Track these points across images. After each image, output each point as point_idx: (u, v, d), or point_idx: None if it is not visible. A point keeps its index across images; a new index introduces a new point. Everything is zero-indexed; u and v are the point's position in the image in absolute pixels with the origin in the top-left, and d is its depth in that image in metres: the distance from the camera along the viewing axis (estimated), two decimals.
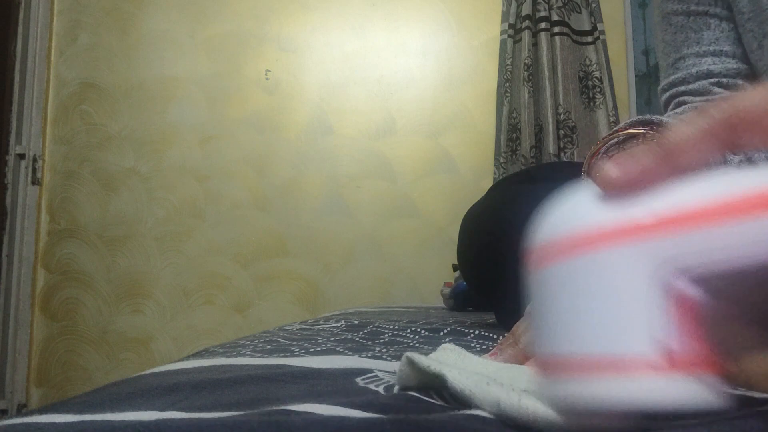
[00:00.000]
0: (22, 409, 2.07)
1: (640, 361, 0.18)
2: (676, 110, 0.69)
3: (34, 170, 2.15)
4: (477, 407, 0.23)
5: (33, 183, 2.15)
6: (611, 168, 0.20)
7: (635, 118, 0.52)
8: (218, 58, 2.20)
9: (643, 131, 0.50)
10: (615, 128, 0.52)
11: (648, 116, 0.52)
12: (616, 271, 0.19)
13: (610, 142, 0.52)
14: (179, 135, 2.17)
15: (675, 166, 0.20)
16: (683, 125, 0.20)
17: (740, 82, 0.66)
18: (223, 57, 2.20)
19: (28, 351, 2.10)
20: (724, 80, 0.66)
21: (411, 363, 0.31)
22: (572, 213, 0.21)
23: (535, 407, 0.21)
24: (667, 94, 0.71)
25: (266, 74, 2.19)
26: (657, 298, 0.18)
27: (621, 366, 0.19)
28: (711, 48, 0.67)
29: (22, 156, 2.14)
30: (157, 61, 2.20)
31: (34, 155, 2.15)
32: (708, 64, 0.67)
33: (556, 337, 0.20)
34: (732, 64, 0.66)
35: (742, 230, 0.18)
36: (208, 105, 2.18)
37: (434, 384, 0.28)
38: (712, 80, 0.66)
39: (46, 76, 2.20)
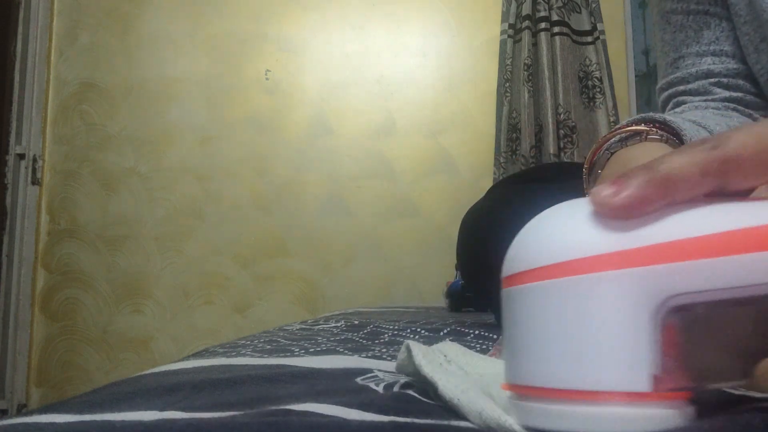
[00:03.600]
0: (22, 409, 2.07)
1: (620, 389, 0.19)
2: (675, 110, 0.69)
3: (34, 170, 2.15)
4: (463, 417, 0.23)
5: (33, 183, 2.15)
6: (608, 191, 0.20)
7: (638, 116, 0.52)
8: (218, 58, 2.20)
9: (646, 128, 0.50)
10: (618, 126, 0.52)
11: (651, 114, 0.52)
12: (602, 296, 0.19)
13: (612, 140, 0.51)
14: (179, 135, 2.17)
15: (668, 196, 0.20)
16: (680, 155, 0.20)
17: (740, 82, 0.65)
18: (223, 57, 2.20)
19: (28, 351, 2.10)
20: (724, 80, 0.65)
21: (409, 353, 0.31)
22: (561, 232, 0.21)
23: (513, 426, 0.21)
24: (666, 93, 0.70)
25: (266, 74, 2.19)
26: (642, 326, 0.19)
27: (601, 395, 0.19)
28: (711, 47, 0.66)
29: (22, 156, 2.14)
30: (157, 61, 2.20)
31: (34, 155, 2.15)
32: (708, 63, 0.66)
33: (534, 358, 0.20)
34: (732, 64, 0.65)
35: (728, 265, 0.18)
36: (208, 105, 2.18)
37: (426, 380, 0.28)
38: (712, 80, 0.66)
39: (46, 76, 2.20)
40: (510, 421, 0.21)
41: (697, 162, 0.20)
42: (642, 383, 0.19)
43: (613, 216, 0.20)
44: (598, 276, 0.19)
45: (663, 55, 0.71)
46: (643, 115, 0.52)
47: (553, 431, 0.19)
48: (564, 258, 0.20)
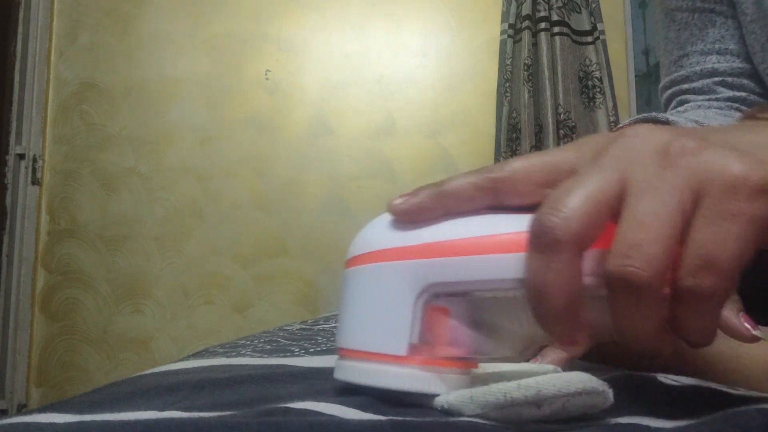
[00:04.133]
0: (22, 409, 2.07)
1: (385, 352, 0.25)
2: (678, 108, 0.68)
3: (34, 170, 2.15)
4: (462, 414, 0.23)
5: (33, 183, 2.15)
6: (396, 199, 0.26)
7: (641, 115, 0.52)
8: (218, 58, 2.20)
9: None
10: (619, 126, 0.52)
11: (654, 114, 0.51)
12: (385, 282, 0.25)
13: None
14: (179, 135, 2.17)
15: (444, 206, 0.25)
16: (463, 175, 0.26)
17: (745, 81, 0.64)
18: (223, 57, 2.20)
19: (28, 351, 2.10)
20: (729, 79, 0.65)
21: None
22: (370, 230, 0.27)
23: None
24: (669, 91, 0.69)
25: (266, 74, 2.19)
26: (411, 308, 0.25)
27: (373, 355, 0.25)
28: (716, 46, 0.65)
29: (22, 156, 2.14)
30: (157, 61, 2.20)
31: (34, 155, 2.15)
32: (713, 62, 0.65)
33: (347, 327, 0.27)
34: (737, 63, 0.64)
35: (471, 263, 0.23)
36: (208, 105, 2.18)
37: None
38: (717, 79, 0.65)
39: (46, 76, 2.20)
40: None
41: (472, 180, 0.26)
42: (400, 349, 0.24)
43: (400, 219, 0.26)
44: (379, 266, 0.26)
45: (666, 53, 0.70)
46: (645, 114, 0.52)
47: (345, 381, 0.26)
48: (362, 251, 0.27)
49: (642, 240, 0.20)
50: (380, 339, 0.25)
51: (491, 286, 0.24)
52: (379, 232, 0.27)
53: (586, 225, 0.21)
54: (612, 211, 0.22)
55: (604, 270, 0.21)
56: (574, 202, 0.22)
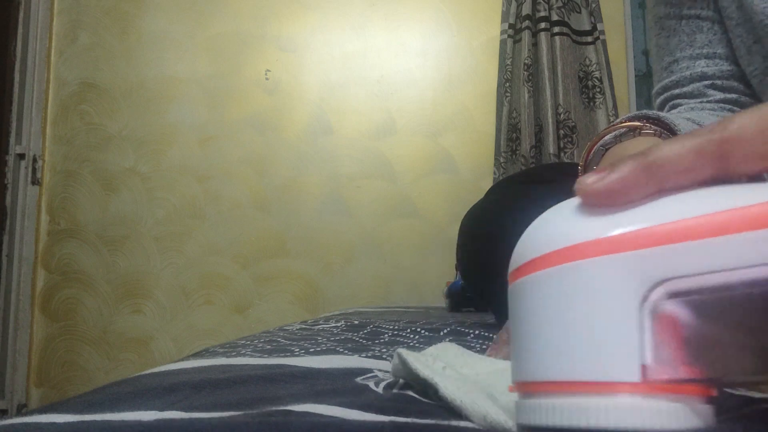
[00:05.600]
0: (22, 409, 2.07)
1: (618, 382, 0.18)
2: (671, 112, 0.69)
3: (34, 170, 2.15)
4: (466, 418, 0.23)
5: (33, 183, 2.15)
6: (591, 178, 0.19)
7: (633, 113, 0.53)
8: (218, 58, 2.20)
9: (640, 124, 0.51)
10: (612, 123, 0.53)
11: (645, 111, 0.52)
12: (593, 285, 0.18)
13: (606, 137, 0.52)
14: (179, 135, 2.17)
15: (657, 180, 0.19)
16: (675, 140, 0.19)
17: (734, 83, 0.66)
18: (223, 57, 2.20)
19: (28, 351, 2.10)
20: (719, 82, 0.66)
21: (403, 361, 0.31)
22: (547, 225, 0.20)
23: (513, 429, 0.21)
24: (662, 97, 0.71)
25: (266, 74, 2.19)
26: (637, 315, 0.18)
27: (598, 387, 0.18)
28: (704, 50, 0.67)
29: (22, 156, 2.14)
30: (157, 61, 2.20)
31: (34, 155, 2.15)
32: (702, 66, 0.67)
33: (532, 353, 0.19)
34: (726, 66, 0.66)
35: (720, 245, 0.17)
36: (208, 105, 2.18)
37: (426, 383, 0.28)
38: (707, 82, 0.66)
39: (46, 76, 2.20)
40: (510, 423, 0.21)
41: (691, 146, 0.19)
42: (631, 373, 0.17)
43: (598, 203, 0.19)
44: (578, 264, 0.18)
45: (658, 59, 0.71)
46: (637, 112, 0.53)
47: (541, 427, 0.19)
48: (543, 251, 0.19)
49: None
50: (599, 362, 0.18)
51: (751, 276, 0.17)
52: (565, 225, 0.20)
53: None
54: None
55: None
56: None
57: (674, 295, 0.18)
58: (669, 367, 0.18)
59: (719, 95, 0.66)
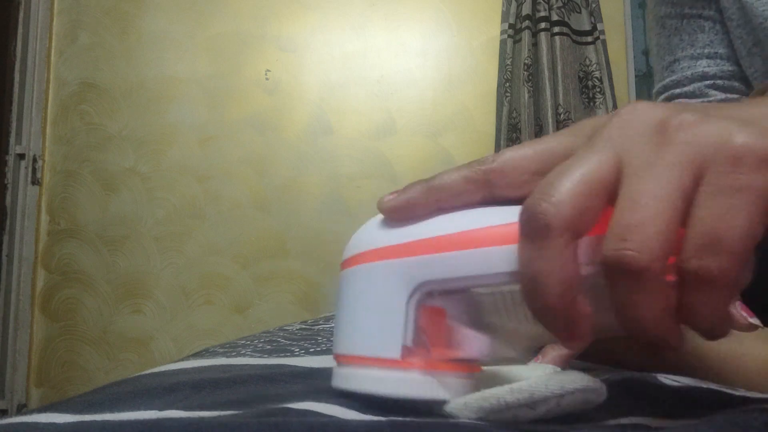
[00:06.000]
0: (22, 409, 2.07)
1: (386, 358, 0.23)
2: None
3: (34, 170, 2.15)
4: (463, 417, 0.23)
5: (33, 183, 2.15)
6: (388, 197, 0.25)
7: None
8: (218, 58, 2.20)
9: None
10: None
11: None
12: (375, 283, 0.24)
13: None
14: (179, 135, 2.17)
15: (436, 201, 0.24)
16: (454, 169, 0.25)
17: (736, 84, 0.66)
18: (223, 57, 2.20)
19: (28, 351, 2.10)
20: (720, 82, 0.66)
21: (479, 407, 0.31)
22: (363, 231, 0.27)
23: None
24: (662, 97, 0.71)
25: (266, 74, 2.19)
26: (404, 309, 0.23)
27: (376, 362, 0.24)
28: (705, 50, 0.67)
29: (22, 156, 2.14)
30: (157, 61, 2.20)
31: (34, 155, 2.15)
32: (703, 66, 0.67)
33: (341, 332, 0.26)
34: (727, 66, 0.66)
35: (461, 258, 0.22)
36: (208, 105, 2.18)
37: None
38: (708, 82, 0.66)
39: (46, 76, 2.20)
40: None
41: (464, 174, 0.24)
42: (394, 352, 0.23)
43: (390, 217, 0.25)
44: (370, 266, 0.25)
45: (659, 59, 0.71)
46: None
47: (342, 389, 0.25)
48: (354, 252, 0.26)
49: (638, 221, 0.19)
50: (374, 342, 0.24)
51: (485, 282, 0.22)
52: (371, 232, 0.26)
53: (579, 209, 0.20)
54: (609, 194, 0.20)
55: (601, 256, 0.20)
56: (566, 186, 0.20)
57: (435, 293, 0.23)
58: (426, 348, 0.23)
59: (720, 95, 0.66)
